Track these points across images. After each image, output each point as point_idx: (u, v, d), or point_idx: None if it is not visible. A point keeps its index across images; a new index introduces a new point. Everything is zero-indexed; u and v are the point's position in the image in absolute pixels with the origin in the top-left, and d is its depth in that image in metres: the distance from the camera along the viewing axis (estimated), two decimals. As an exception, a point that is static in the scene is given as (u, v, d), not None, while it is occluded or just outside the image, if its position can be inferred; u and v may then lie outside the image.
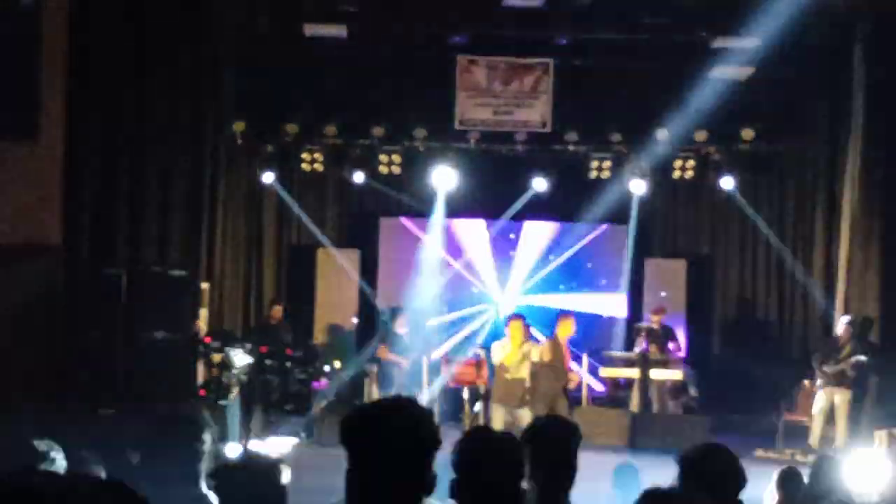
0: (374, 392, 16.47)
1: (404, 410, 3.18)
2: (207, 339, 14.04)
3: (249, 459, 4.27)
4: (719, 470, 4.58)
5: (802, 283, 18.55)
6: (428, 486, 3.13)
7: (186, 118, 15.71)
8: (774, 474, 7.14)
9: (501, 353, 14.16)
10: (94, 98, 14.69)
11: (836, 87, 16.86)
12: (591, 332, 19.64)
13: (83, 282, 13.64)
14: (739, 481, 4.62)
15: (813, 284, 17.83)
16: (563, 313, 15.60)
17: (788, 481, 7.15)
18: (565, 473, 4.54)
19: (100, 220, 14.76)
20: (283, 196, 19.09)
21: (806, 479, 7.24)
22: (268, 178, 18.41)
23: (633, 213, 19.31)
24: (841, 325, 15.75)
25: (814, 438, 15.51)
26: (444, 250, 19.95)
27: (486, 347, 18.00)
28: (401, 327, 16.85)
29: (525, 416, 13.68)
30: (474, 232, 20.10)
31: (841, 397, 15.33)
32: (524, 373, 14.06)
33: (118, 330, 13.39)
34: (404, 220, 19.94)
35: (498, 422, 13.84)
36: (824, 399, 15.45)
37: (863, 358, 15.29)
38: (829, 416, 15.49)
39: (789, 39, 16.49)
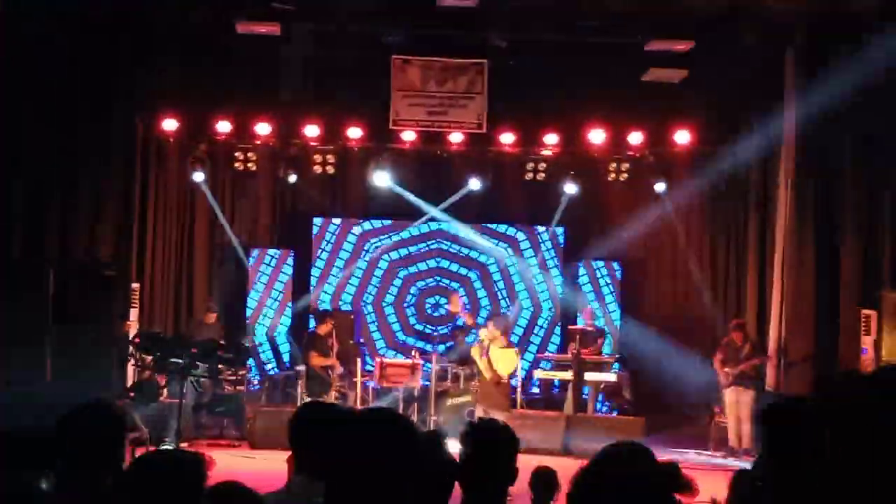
0: (304, 395, 16.32)
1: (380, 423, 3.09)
2: (136, 340, 13.82)
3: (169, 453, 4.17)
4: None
5: (735, 285, 18.70)
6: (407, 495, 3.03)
7: (118, 116, 15.50)
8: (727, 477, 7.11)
9: (480, 352, 13.67)
10: (25, 96, 14.44)
11: (770, 90, 16.95)
12: (525, 334, 19.69)
13: (11, 280, 13.37)
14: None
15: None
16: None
17: (740, 484, 7.12)
18: (501, 478, 4.47)
19: (29, 218, 14.51)
20: (215, 195, 18.84)
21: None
22: (199, 177, 18.13)
23: (565, 214, 19.40)
24: (732, 328, 16.16)
25: (732, 438, 15.79)
26: (378, 251, 19.87)
27: (422, 350, 17.98)
28: (323, 330, 16.68)
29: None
30: (410, 232, 20.00)
31: (745, 397, 15.68)
32: (489, 375, 13.59)
33: (46, 329, 13.15)
34: (338, 221, 19.81)
35: None
36: (731, 399, 15.78)
37: (758, 361, 15.78)
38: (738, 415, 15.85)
39: (723, 43, 16.58)
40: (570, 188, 18.66)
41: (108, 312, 13.89)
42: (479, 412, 13.69)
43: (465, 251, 20.05)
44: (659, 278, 19.75)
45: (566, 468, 4.30)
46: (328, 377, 16.30)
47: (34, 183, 14.60)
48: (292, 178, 18.47)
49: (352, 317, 19.02)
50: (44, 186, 14.69)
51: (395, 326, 19.95)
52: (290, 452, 4.86)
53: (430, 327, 19.69)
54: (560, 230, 19.96)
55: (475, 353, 13.73)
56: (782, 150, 16.43)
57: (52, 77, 14.72)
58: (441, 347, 18.15)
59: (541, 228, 19.96)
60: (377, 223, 19.90)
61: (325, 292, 19.69)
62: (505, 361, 13.55)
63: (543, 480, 7.66)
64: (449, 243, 20.05)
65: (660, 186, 18.58)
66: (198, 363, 13.25)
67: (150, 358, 13.53)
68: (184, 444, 13.58)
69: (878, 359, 14.77)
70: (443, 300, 19.79)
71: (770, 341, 16.34)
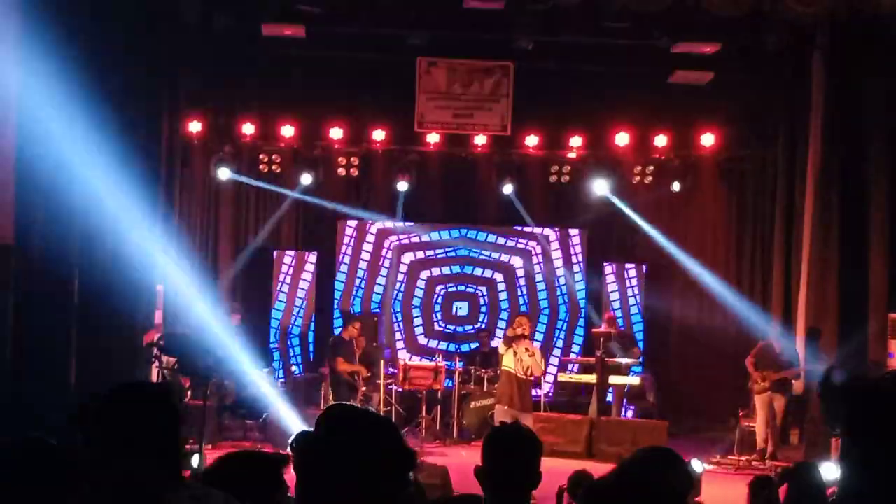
0: (329, 397, 16.33)
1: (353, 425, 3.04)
2: (160, 342, 13.83)
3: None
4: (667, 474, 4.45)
5: (761, 290, 18.59)
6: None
7: (142, 118, 15.51)
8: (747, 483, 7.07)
9: (507, 351, 13.88)
10: (47, 95, 14.44)
11: (796, 93, 16.88)
12: (551, 337, 19.64)
13: (35, 283, 13.37)
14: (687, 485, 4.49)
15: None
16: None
17: (760, 489, 7.09)
18: (525, 483, 4.43)
19: (53, 219, 14.51)
20: (239, 197, 18.90)
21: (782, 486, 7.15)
22: (224, 177, 18.19)
23: (593, 217, 19.38)
24: (774, 338, 16.05)
25: (760, 442, 15.68)
26: (400, 253, 19.84)
27: (445, 352, 17.97)
28: (349, 334, 16.68)
29: (528, 423, 12.96)
30: (433, 235, 19.96)
31: (779, 403, 15.61)
32: (531, 373, 13.76)
33: (71, 332, 13.15)
34: (362, 223, 19.79)
35: None
36: (764, 404, 15.67)
37: (799, 371, 15.65)
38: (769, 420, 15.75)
39: (749, 45, 16.51)
40: (600, 187, 18.62)
41: (133, 314, 13.89)
42: (501, 415, 13.68)
43: (489, 254, 19.97)
44: (684, 281, 19.64)
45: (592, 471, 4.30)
46: (354, 382, 16.30)
47: (56, 185, 14.60)
48: (307, 180, 18.45)
49: (375, 319, 19.00)
50: (66, 188, 14.68)
51: (419, 329, 19.89)
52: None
53: (455, 328, 19.69)
54: (584, 232, 19.88)
55: (504, 348, 13.82)
56: (809, 153, 16.34)
57: (73, 78, 14.72)
58: (465, 347, 18.27)
59: (565, 231, 19.88)
60: (401, 225, 19.84)
61: (350, 294, 19.66)
62: (536, 360, 13.71)
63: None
64: (471, 248, 19.95)
65: (676, 186, 18.58)
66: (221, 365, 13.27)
67: (173, 360, 13.55)
68: (207, 447, 13.59)
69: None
70: (465, 304, 19.82)
71: (797, 347, 16.23)
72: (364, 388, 16.56)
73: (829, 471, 10.56)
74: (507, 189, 18.70)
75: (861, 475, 1.94)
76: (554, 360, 19.26)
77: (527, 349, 14.21)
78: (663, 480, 4.37)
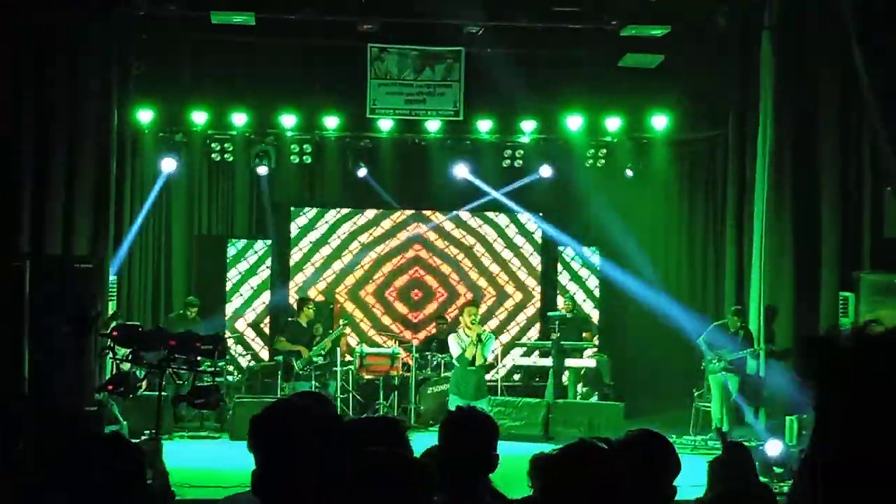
0: (283, 384, 16.33)
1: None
2: (115, 333, 13.71)
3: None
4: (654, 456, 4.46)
5: (714, 270, 18.72)
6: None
7: (93, 106, 15.37)
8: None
9: (457, 341, 13.88)
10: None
11: (746, 73, 16.96)
12: (510, 321, 19.69)
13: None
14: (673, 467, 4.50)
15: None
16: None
17: (720, 468, 7.06)
18: (482, 467, 4.43)
19: (3, 210, 14.38)
20: (191, 186, 18.79)
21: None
22: (169, 166, 18.02)
23: (547, 201, 19.40)
24: (732, 313, 16.05)
25: (717, 421, 15.73)
26: (358, 240, 19.79)
27: (401, 339, 17.97)
28: (303, 317, 16.67)
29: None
30: (388, 221, 19.92)
31: (732, 382, 15.61)
32: (481, 361, 13.78)
33: (22, 324, 13.03)
34: (316, 210, 19.72)
35: None
36: (718, 383, 15.69)
37: (755, 348, 15.80)
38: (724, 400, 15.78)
39: (699, 27, 16.58)
40: (546, 171, 18.67)
41: (85, 306, 13.76)
42: (454, 404, 13.66)
43: (443, 239, 19.98)
44: (639, 263, 19.71)
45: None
46: (290, 362, 16.34)
47: (6, 175, 14.46)
48: (262, 170, 18.37)
49: (331, 306, 18.95)
50: (16, 179, 14.55)
51: (375, 316, 19.85)
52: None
53: (411, 314, 19.69)
54: (538, 216, 19.90)
55: (462, 338, 13.79)
56: (759, 133, 16.42)
57: (25, 67, 14.58)
58: (422, 333, 18.33)
59: (520, 215, 19.90)
60: (356, 212, 19.79)
61: (305, 282, 19.58)
62: (480, 349, 13.75)
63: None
64: (425, 234, 19.96)
65: (637, 170, 18.66)
66: (176, 355, 13.16)
67: (127, 351, 13.44)
68: (164, 437, 13.52)
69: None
70: (423, 290, 19.82)
71: (751, 326, 16.30)
72: (317, 373, 16.51)
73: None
74: (461, 171, 18.69)
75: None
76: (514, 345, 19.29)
77: (473, 336, 14.13)
78: (660, 465, 4.40)
